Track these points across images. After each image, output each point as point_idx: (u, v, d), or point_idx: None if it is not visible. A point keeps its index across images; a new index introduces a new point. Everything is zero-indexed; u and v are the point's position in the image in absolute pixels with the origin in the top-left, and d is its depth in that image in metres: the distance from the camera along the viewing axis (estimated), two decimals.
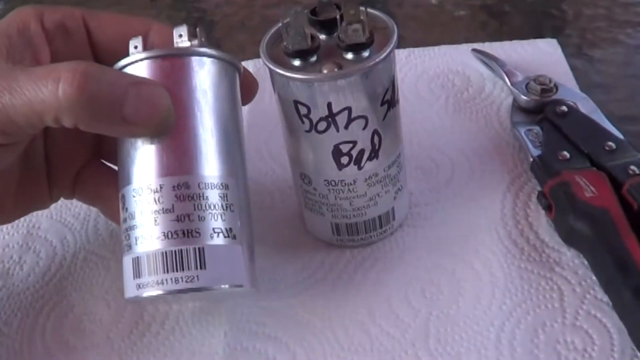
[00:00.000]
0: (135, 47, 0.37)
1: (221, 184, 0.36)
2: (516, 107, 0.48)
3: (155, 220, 0.35)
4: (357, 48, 0.36)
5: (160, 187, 0.35)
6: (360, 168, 0.39)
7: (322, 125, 0.37)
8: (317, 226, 0.43)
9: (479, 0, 0.62)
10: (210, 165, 0.36)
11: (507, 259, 0.41)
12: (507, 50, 0.52)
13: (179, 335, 0.40)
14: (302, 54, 0.37)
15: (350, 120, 0.37)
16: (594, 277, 0.39)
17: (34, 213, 0.48)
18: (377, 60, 0.36)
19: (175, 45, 0.37)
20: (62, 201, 0.48)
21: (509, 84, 0.49)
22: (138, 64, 0.36)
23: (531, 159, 0.44)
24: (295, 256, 0.43)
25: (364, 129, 0.37)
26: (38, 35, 0.38)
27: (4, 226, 0.48)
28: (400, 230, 0.44)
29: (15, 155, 0.38)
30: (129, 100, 0.33)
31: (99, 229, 0.47)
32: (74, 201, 0.48)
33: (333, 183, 0.40)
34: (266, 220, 0.45)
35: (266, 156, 0.50)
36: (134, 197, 0.35)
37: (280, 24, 0.38)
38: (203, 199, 0.35)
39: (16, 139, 0.36)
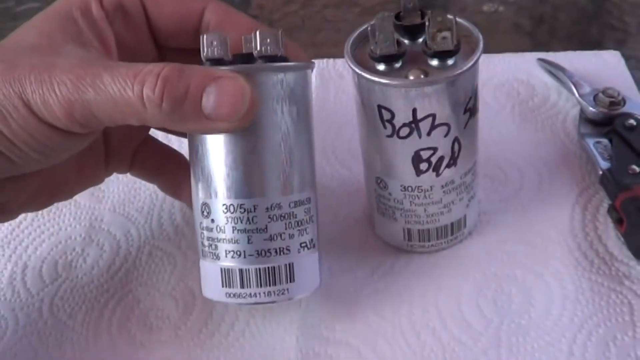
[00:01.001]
0: (212, 44, 0.36)
1: (306, 199, 0.37)
2: (584, 118, 0.48)
3: (249, 239, 0.36)
4: (444, 55, 0.36)
5: (254, 208, 0.36)
6: (438, 175, 0.39)
7: (405, 131, 0.37)
8: (388, 231, 0.43)
9: (539, 9, 0.62)
10: (300, 183, 0.37)
11: (577, 271, 0.41)
12: (571, 60, 0.52)
13: (250, 338, 0.40)
14: (389, 59, 0.37)
15: (433, 127, 0.37)
16: None
17: (96, 206, 0.48)
18: (464, 68, 0.36)
19: (255, 50, 0.36)
20: (124, 194, 0.49)
21: (576, 95, 0.49)
22: None
23: (600, 172, 0.44)
24: (364, 260, 0.43)
25: (445, 136, 0.38)
26: (101, 17, 0.38)
27: (66, 218, 0.48)
28: (470, 238, 0.44)
29: (90, 141, 0.38)
30: (209, 98, 0.33)
31: (163, 224, 0.47)
32: (137, 195, 0.48)
33: (410, 189, 0.40)
34: (334, 224, 0.45)
35: (332, 158, 0.50)
36: (224, 212, 0.36)
37: (365, 27, 0.38)
38: (293, 217, 0.37)
39: (94, 130, 0.36)
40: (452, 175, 0.39)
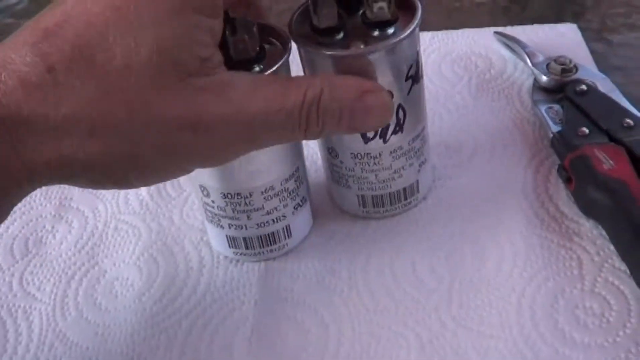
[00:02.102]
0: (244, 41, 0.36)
1: (294, 170, 0.41)
2: (537, 86, 0.49)
3: (249, 216, 0.41)
4: (382, 25, 0.37)
5: (250, 194, 0.40)
6: (385, 142, 0.40)
7: None
8: (343, 199, 0.44)
9: None
10: (288, 164, 0.40)
11: (528, 229, 0.42)
12: (528, 33, 0.53)
13: (210, 301, 0.41)
14: (331, 32, 0.38)
15: None
16: (611, 247, 0.40)
17: (66, 186, 0.49)
18: (401, 36, 0.37)
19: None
20: None
21: (530, 64, 0.50)
22: None
23: (551, 135, 0.46)
24: (323, 227, 0.44)
25: None
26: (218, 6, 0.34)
27: (37, 198, 0.49)
28: (425, 202, 0.45)
29: None
30: (356, 115, 0.35)
31: (129, 199, 0.48)
32: None
33: (359, 156, 0.41)
34: None
35: None
36: (223, 198, 0.40)
37: (307, 2, 0.38)
38: (285, 191, 0.41)
39: None
40: (400, 142, 0.40)
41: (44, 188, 0.48)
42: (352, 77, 0.36)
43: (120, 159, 0.31)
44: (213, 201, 0.40)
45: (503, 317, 0.38)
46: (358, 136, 0.40)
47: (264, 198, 0.40)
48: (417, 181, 0.43)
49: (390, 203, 0.43)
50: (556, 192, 0.44)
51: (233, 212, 0.40)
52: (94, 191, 0.49)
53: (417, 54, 0.39)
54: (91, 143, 0.30)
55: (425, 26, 0.56)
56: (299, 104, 0.33)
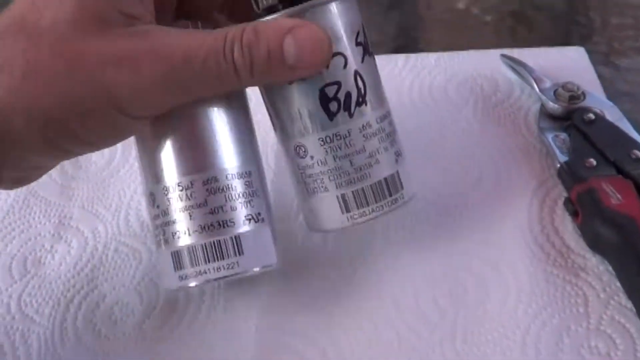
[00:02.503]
0: None
1: (245, 172, 0.38)
2: (544, 113, 0.49)
3: (191, 215, 0.37)
4: None
5: (192, 184, 0.37)
6: (351, 115, 0.38)
7: None
8: (323, 211, 0.40)
9: (506, 7, 0.63)
10: (233, 156, 0.38)
11: (533, 262, 0.42)
12: (535, 56, 0.53)
13: (211, 329, 0.41)
14: (273, 9, 0.37)
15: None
16: (618, 284, 0.40)
17: (66, 204, 0.49)
18: None
19: None
20: (94, 192, 0.50)
21: (537, 90, 0.49)
22: None
23: (558, 165, 0.45)
24: (311, 251, 0.44)
25: (344, 67, 0.37)
26: None
27: (36, 215, 0.49)
28: (427, 227, 0.44)
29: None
30: (289, 50, 0.34)
31: (130, 220, 0.47)
32: (106, 193, 0.49)
33: (328, 139, 0.38)
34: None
35: None
36: (165, 194, 0.37)
37: None
38: (232, 189, 0.37)
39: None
40: (367, 117, 0.38)
41: (43, 206, 0.49)
42: (278, 18, 0.36)
43: (54, 102, 0.32)
44: (158, 206, 0.38)
45: (507, 355, 0.38)
46: (322, 112, 0.38)
47: (207, 191, 0.37)
48: (398, 173, 0.40)
49: (375, 199, 0.39)
50: (562, 225, 0.43)
51: (175, 211, 0.37)
52: (94, 211, 0.48)
53: (362, 24, 0.39)
54: (24, 85, 0.32)
55: (429, 45, 0.55)
56: (221, 39, 0.33)
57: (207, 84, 0.35)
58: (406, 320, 0.40)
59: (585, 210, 0.42)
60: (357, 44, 0.38)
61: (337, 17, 0.37)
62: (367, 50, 0.39)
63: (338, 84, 0.38)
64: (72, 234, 0.47)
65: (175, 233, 0.37)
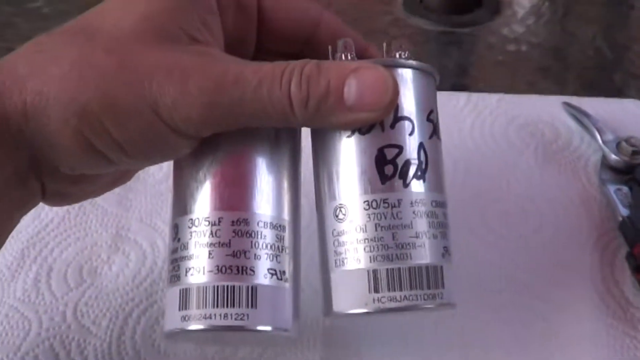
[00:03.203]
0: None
1: (279, 225, 0.35)
2: (605, 164, 0.49)
3: (210, 254, 0.34)
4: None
5: (219, 221, 0.34)
6: (405, 184, 0.35)
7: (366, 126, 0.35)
8: (347, 288, 0.35)
9: (565, 53, 0.63)
10: (270, 204, 0.35)
11: (595, 313, 0.42)
12: (594, 106, 0.54)
13: (273, 354, 0.41)
14: None
15: (396, 118, 0.35)
16: None
17: (123, 214, 0.49)
18: (427, 67, 0.36)
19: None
20: (152, 205, 0.49)
21: (600, 141, 0.50)
22: None
23: (620, 218, 0.46)
24: None
25: (410, 134, 0.35)
26: (213, 5, 0.36)
27: (92, 224, 0.48)
28: (497, 272, 0.44)
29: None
30: (350, 90, 0.32)
31: None
32: (164, 207, 0.49)
33: (374, 205, 0.34)
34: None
35: None
36: (189, 227, 0.35)
37: None
38: (260, 237, 0.34)
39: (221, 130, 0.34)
40: (422, 194, 0.35)
41: (99, 215, 0.48)
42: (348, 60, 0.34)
43: (94, 97, 0.31)
44: (179, 240, 0.35)
45: None
46: (375, 173, 0.35)
47: (233, 232, 0.34)
48: (442, 268, 0.35)
49: (410, 285, 0.34)
50: (622, 277, 0.44)
51: (195, 246, 0.34)
52: (153, 224, 0.48)
53: (436, 107, 0.37)
54: (69, 77, 0.31)
55: (488, 87, 0.56)
56: (280, 68, 0.32)
57: (256, 112, 0.32)
58: None
59: None
60: (428, 119, 0.36)
61: (412, 85, 0.35)
62: (437, 132, 0.36)
63: (400, 148, 0.35)
64: (130, 247, 0.47)
65: (190, 269, 0.34)
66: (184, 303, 0.34)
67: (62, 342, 0.42)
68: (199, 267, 0.34)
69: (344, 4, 0.69)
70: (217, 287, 0.33)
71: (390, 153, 0.34)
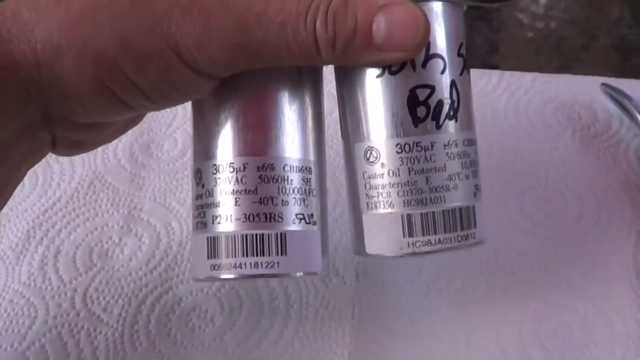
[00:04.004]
0: None
1: (305, 166, 0.34)
2: None
3: (237, 201, 0.33)
4: None
5: (244, 167, 0.33)
6: (438, 126, 0.33)
7: (396, 64, 0.33)
8: (381, 232, 0.34)
9: (598, 31, 0.61)
10: (296, 146, 0.34)
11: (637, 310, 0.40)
12: (633, 87, 0.51)
13: (299, 347, 0.38)
14: None
15: (428, 56, 0.33)
16: None
17: (136, 193, 0.46)
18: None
19: None
20: (166, 184, 0.46)
21: None
22: None
23: None
24: (413, 277, 0.41)
25: (442, 72, 0.33)
26: None
27: (103, 204, 0.45)
28: (527, 259, 0.42)
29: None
30: (379, 28, 0.30)
31: None
32: (179, 186, 0.46)
33: (407, 148, 0.33)
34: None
35: None
36: (213, 173, 0.33)
37: None
38: (287, 182, 0.33)
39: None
40: (455, 133, 0.34)
41: (110, 194, 0.45)
42: None
43: (111, 41, 0.29)
44: (203, 185, 0.34)
45: None
46: (407, 114, 0.33)
47: (259, 178, 0.33)
48: (474, 207, 0.34)
49: (444, 229, 0.34)
50: None
51: (220, 193, 0.33)
52: (167, 204, 0.45)
53: (465, 36, 0.35)
54: (81, 22, 0.29)
55: (521, 65, 0.53)
56: (305, 4, 0.29)
57: (280, 52, 0.30)
58: (510, 359, 0.37)
59: None
60: (459, 54, 0.34)
61: (442, 20, 0.33)
62: (467, 66, 0.35)
63: (432, 88, 0.33)
64: (143, 228, 0.44)
65: (217, 217, 0.33)
66: (212, 251, 0.33)
67: (71, 331, 0.39)
68: (226, 215, 0.33)
69: None
70: (246, 235, 0.32)
71: (422, 94, 0.33)
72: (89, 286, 0.41)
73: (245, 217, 0.32)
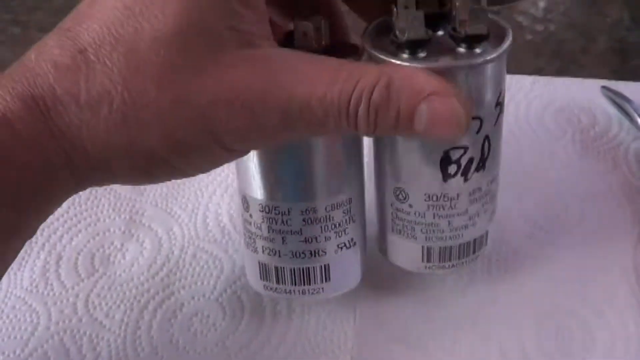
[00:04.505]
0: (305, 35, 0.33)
1: (345, 200, 0.36)
2: None
3: (284, 240, 0.36)
4: (475, 40, 0.32)
5: (289, 211, 0.35)
6: (466, 180, 0.35)
7: None
8: (402, 252, 0.39)
9: (597, 34, 0.61)
10: (337, 187, 0.36)
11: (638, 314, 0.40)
12: (634, 90, 0.51)
13: (301, 352, 0.38)
14: (416, 45, 0.32)
15: None
16: None
17: (137, 198, 0.46)
18: (501, 50, 0.32)
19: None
20: (167, 189, 0.47)
21: None
22: None
23: None
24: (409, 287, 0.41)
25: (477, 132, 0.34)
26: None
27: (105, 209, 0.45)
28: (529, 262, 0.42)
29: None
30: (421, 119, 0.30)
31: (208, 224, 0.44)
32: (181, 191, 0.46)
33: (434, 198, 0.35)
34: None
35: None
36: (260, 210, 0.36)
37: (382, 19, 0.34)
38: (329, 220, 0.36)
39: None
40: (480, 181, 0.36)
41: (112, 199, 0.45)
42: (420, 71, 0.31)
43: (158, 140, 0.30)
44: (251, 215, 0.36)
45: None
46: (438, 173, 0.35)
47: (303, 220, 0.35)
48: (487, 232, 0.38)
49: (459, 256, 0.38)
50: None
51: (268, 230, 0.36)
52: (169, 209, 0.45)
53: (505, 78, 0.35)
54: (126, 121, 0.29)
55: (521, 68, 0.53)
56: (347, 93, 0.29)
57: (319, 134, 0.32)
58: None
59: None
60: (497, 104, 0.34)
61: (487, 79, 0.33)
62: (502, 109, 0.35)
63: (465, 148, 0.34)
64: (145, 233, 0.44)
65: (266, 249, 0.37)
66: (264, 275, 0.37)
67: (73, 337, 0.39)
68: (274, 249, 0.36)
69: None
70: (294, 269, 0.37)
71: (455, 154, 0.34)
72: (91, 292, 0.41)
73: (292, 254, 0.36)
